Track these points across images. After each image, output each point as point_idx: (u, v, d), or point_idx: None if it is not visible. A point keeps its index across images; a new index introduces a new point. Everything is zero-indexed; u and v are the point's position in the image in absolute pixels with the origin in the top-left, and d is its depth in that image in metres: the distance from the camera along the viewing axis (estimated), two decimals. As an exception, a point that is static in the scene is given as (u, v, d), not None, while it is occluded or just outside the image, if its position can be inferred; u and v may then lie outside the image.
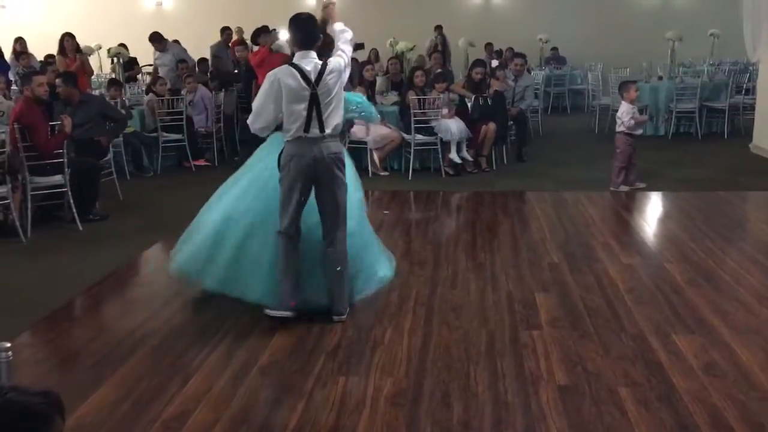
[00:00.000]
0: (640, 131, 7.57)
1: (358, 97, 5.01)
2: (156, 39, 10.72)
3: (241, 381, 3.49)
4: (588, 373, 3.50)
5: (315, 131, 4.00)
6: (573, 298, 4.47)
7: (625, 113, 7.28)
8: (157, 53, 10.74)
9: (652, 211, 6.93)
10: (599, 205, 6.83)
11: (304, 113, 3.96)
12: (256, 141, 4.68)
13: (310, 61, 4.01)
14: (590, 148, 9.95)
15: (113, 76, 11.96)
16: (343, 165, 4.15)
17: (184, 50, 11.15)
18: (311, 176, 4.04)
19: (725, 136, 10.50)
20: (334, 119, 4.05)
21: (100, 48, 13.02)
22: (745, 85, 10.86)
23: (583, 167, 8.63)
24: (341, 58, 4.13)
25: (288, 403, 3.27)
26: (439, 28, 13.55)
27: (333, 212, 4.12)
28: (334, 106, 4.04)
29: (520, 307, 4.34)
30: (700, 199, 7.04)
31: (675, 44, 11.39)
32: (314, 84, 3.96)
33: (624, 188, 7.29)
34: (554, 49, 14.82)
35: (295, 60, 4.05)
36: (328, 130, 4.03)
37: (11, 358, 1.87)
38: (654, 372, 3.49)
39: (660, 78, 11.27)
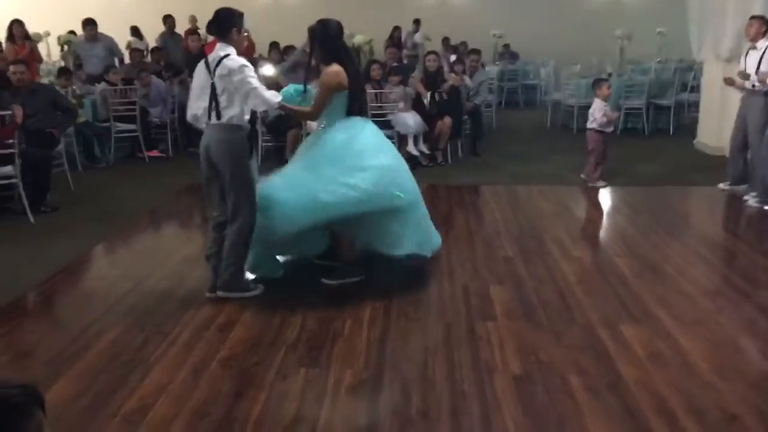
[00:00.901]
0: (611, 128, 7.75)
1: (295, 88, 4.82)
2: (90, 24, 9.99)
3: (201, 374, 3.51)
4: (541, 363, 3.63)
5: (213, 119, 4.20)
6: (526, 290, 4.61)
7: (597, 110, 7.46)
8: (86, 42, 10.06)
9: (602, 206, 7.14)
10: (551, 199, 7.00)
11: (206, 101, 4.21)
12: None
13: (217, 53, 4.19)
14: (543, 142, 10.17)
15: (62, 64, 11.72)
16: (240, 151, 4.24)
17: (116, 44, 10.63)
18: (206, 161, 4.34)
19: (671, 133, 10.85)
20: (229, 111, 4.17)
21: (49, 35, 12.74)
22: (690, 83, 11.22)
23: (536, 162, 8.82)
24: (237, 65, 4.12)
25: (249, 396, 3.31)
26: (417, 21, 13.61)
27: (228, 195, 4.32)
28: (227, 98, 4.16)
29: (475, 300, 4.45)
30: (647, 193, 7.29)
31: (624, 42, 11.70)
32: (212, 73, 4.17)
33: (601, 183, 7.46)
34: (506, 45, 15.04)
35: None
36: (223, 120, 4.18)
37: None
38: (602, 361, 3.64)
39: (609, 75, 11.53)
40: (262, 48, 12.46)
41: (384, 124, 8.13)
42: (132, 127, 8.74)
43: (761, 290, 4.62)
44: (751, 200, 6.73)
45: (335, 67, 4.43)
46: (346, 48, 4.69)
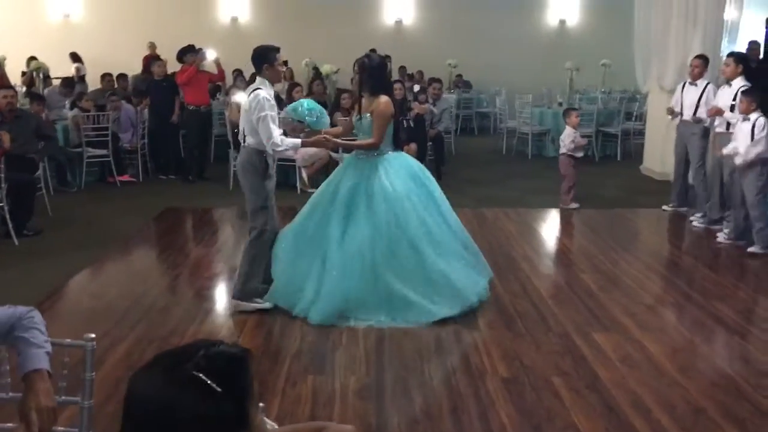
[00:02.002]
0: (581, 153, 8.28)
1: (312, 103, 5.11)
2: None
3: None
4: (525, 367, 4.00)
5: (242, 142, 4.76)
6: (504, 303, 5.00)
7: (567, 137, 8.00)
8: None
9: (563, 226, 7.62)
10: (516, 220, 7.45)
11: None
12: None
13: (253, 86, 4.71)
14: (501, 167, 10.68)
15: (22, 88, 11.73)
16: (250, 169, 4.69)
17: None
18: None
19: (618, 159, 11.52)
20: (251, 137, 4.66)
21: (5, 59, 12.70)
22: (635, 112, 11.95)
23: (497, 186, 9.30)
24: (258, 96, 4.55)
25: (264, 400, 3.56)
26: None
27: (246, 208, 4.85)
28: (249, 127, 4.65)
29: (459, 312, 4.81)
30: (602, 215, 7.82)
31: (573, 73, 12.39)
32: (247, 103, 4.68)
33: (574, 205, 7.94)
34: (459, 75, 15.64)
35: None
36: (246, 143, 4.71)
37: (95, 346, 2.15)
38: (580, 364, 4.04)
39: (560, 104, 12.19)
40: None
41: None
42: (103, 152, 8.87)
43: (712, 300, 5.11)
44: (696, 221, 7.30)
45: (385, 99, 4.71)
46: (389, 81, 4.99)
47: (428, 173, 5.03)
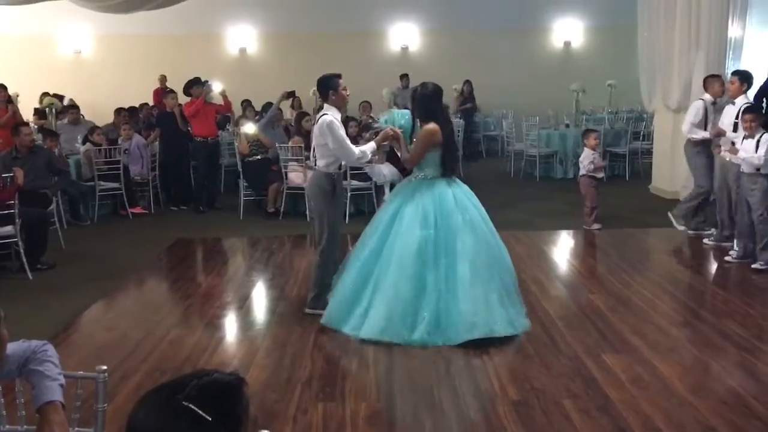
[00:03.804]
0: (601, 174, 8.31)
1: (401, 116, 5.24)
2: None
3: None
4: (535, 389, 4.01)
5: (312, 164, 5.24)
6: (514, 326, 5.00)
7: (586, 158, 8.02)
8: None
9: (572, 248, 7.63)
10: (525, 243, 7.46)
11: None
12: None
13: (321, 112, 5.12)
14: (509, 190, 10.71)
15: (33, 124, 11.94)
16: (318, 191, 5.07)
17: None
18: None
19: (627, 179, 11.53)
20: (320, 160, 5.04)
21: (18, 96, 12.92)
22: (642, 132, 11.98)
23: (506, 208, 9.28)
24: (325, 121, 4.90)
25: (276, 429, 3.60)
26: (405, 76, 14.11)
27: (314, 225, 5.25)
28: (315, 148, 5.08)
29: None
30: (611, 235, 7.82)
31: (579, 95, 12.46)
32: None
33: (596, 226, 7.94)
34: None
35: None
36: (316, 166, 5.13)
37: (107, 378, 2.19)
38: (590, 386, 4.04)
39: (567, 126, 12.27)
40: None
41: (361, 176, 8.61)
42: (115, 185, 8.99)
43: (722, 319, 5.10)
44: (707, 239, 7.29)
45: (431, 126, 4.83)
46: (443, 109, 5.09)
47: (475, 200, 5.06)
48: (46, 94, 13.11)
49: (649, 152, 11.25)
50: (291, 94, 9.24)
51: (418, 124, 5.04)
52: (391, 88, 13.49)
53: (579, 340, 4.71)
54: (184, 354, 4.59)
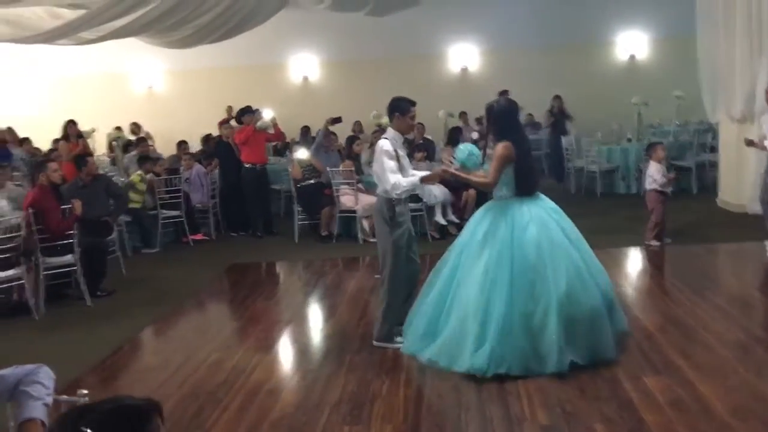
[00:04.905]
0: (670, 189, 8.06)
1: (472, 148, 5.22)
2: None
3: (255, 435, 3.84)
4: (567, 414, 3.89)
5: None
6: (553, 347, 4.87)
7: (655, 172, 7.77)
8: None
9: (627, 265, 7.39)
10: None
11: None
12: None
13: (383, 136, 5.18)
14: (567, 208, 10.38)
15: (107, 157, 12.58)
16: (378, 216, 5.08)
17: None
18: None
19: (694, 192, 11.10)
20: (379, 185, 5.04)
21: (95, 131, 13.59)
22: (709, 144, 11.53)
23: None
24: (377, 146, 5.02)
25: (299, 452, 3.63)
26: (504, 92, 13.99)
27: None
28: (376, 175, 5.08)
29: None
30: (671, 251, 7.54)
31: (641, 108, 12.13)
32: None
33: (655, 243, 7.72)
34: (530, 114, 15.54)
35: None
36: (378, 190, 5.10)
37: (87, 401, 2.28)
38: (625, 409, 3.89)
39: (629, 140, 11.95)
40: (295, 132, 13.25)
41: (412, 197, 8.61)
42: (177, 213, 9.31)
43: (779, 338, 4.83)
44: (771, 253, 6.93)
45: (505, 144, 4.71)
46: (517, 125, 4.98)
47: (562, 217, 4.87)
48: (118, 128, 13.80)
49: (716, 165, 10.81)
50: (337, 120, 9.36)
51: (491, 144, 4.92)
52: (447, 110, 13.47)
53: (620, 362, 4.54)
54: (221, 378, 4.68)
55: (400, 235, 5.01)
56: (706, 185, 11.31)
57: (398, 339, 5.02)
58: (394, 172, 4.89)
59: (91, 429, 1.25)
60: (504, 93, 13.80)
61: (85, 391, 2.30)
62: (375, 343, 5.09)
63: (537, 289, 4.50)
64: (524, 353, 4.41)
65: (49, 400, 2.13)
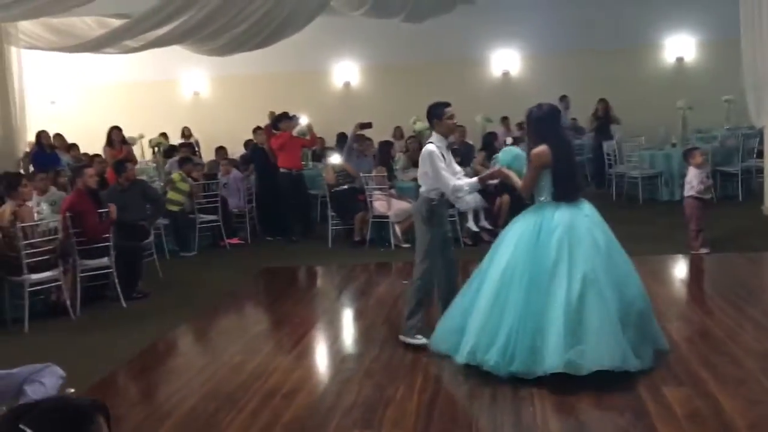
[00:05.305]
0: (709, 195, 7.86)
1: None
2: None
3: (266, 436, 3.90)
4: (579, 423, 3.84)
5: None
6: (573, 355, 4.80)
7: (694, 178, 7.57)
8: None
9: (662, 273, 7.22)
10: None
11: None
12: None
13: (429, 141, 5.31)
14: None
15: (153, 163, 12.87)
16: (418, 215, 5.28)
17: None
18: None
19: (740, 199, 10.79)
20: (423, 186, 5.22)
21: (143, 137, 13.94)
22: (756, 149, 11.18)
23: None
24: (426, 150, 5.14)
25: (307, 454, 3.67)
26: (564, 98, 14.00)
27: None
28: (421, 177, 5.23)
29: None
30: (708, 261, 7.34)
31: (685, 112, 11.85)
32: None
33: (704, 250, 7.52)
34: (574, 119, 15.31)
35: None
36: (421, 191, 5.29)
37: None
38: (640, 420, 3.82)
39: (673, 145, 11.67)
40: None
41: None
42: (214, 217, 9.48)
43: (811, 351, 4.66)
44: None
45: (540, 148, 4.67)
46: (557, 130, 4.87)
47: (595, 224, 4.74)
48: (163, 134, 14.12)
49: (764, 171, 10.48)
50: (367, 125, 9.40)
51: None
52: (485, 115, 13.38)
53: (642, 372, 4.45)
54: (241, 379, 4.76)
55: (436, 234, 5.20)
56: (753, 192, 10.98)
57: (418, 336, 5.12)
58: (449, 175, 5.09)
59: (29, 428, 1.29)
60: (563, 98, 13.68)
61: (72, 390, 2.37)
62: (400, 337, 5.24)
63: (550, 292, 4.45)
64: (531, 354, 4.37)
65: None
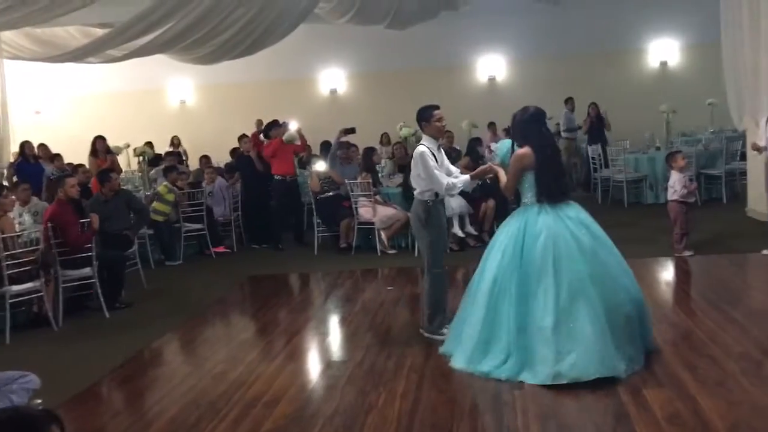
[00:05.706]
0: (693, 199, 7.87)
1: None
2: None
3: (247, 445, 3.87)
4: (561, 426, 3.84)
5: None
6: (555, 359, 4.81)
7: (677, 182, 7.59)
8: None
9: (645, 276, 7.22)
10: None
11: None
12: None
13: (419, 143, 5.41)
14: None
15: (138, 173, 12.82)
16: (414, 217, 5.38)
17: None
18: None
19: (724, 201, 10.86)
20: (416, 188, 5.32)
21: (128, 146, 13.89)
22: (739, 151, 11.26)
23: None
24: (417, 152, 5.23)
25: (287, 463, 3.65)
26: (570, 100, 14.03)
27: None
28: (414, 179, 5.34)
29: (506, 370, 4.68)
30: (692, 263, 7.38)
31: (669, 116, 11.93)
32: None
33: (687, 253, 7.56)
34: (558, 124, 15.38)
35: None
36: (415, 193, 5.37)
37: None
38: (620, 423, 3.82)
39: (658, 148, 11.74)
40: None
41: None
42: (199, 226, 9.46)
43: (791, 351, 4.69)
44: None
45: (522, 150, 4.75)
46: (541, 133, 4.86)
47: (579, 227, 4.70)
48: (149, 143, 14.06)
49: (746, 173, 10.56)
50: (350, 131, 9.41)
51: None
52: (471, 120, 13.41)
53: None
54: (222, 388, 4.73)
55: (436, 235, 5.33)
56: (737, 194, 11.06)
57: (444, 330, 5.30)
58: (442, 174, 5.19)
59: None
60: (568, 101, 13.72)
61: (39, 401, 2.36)
62: (425, 334, 5.42)
63: (537, 300, 4.49)
64: (521, 367, 4.44)
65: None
